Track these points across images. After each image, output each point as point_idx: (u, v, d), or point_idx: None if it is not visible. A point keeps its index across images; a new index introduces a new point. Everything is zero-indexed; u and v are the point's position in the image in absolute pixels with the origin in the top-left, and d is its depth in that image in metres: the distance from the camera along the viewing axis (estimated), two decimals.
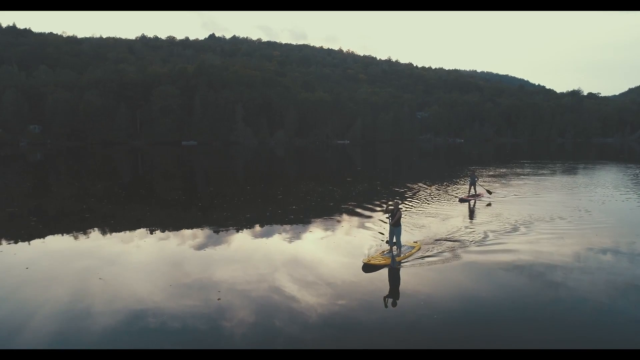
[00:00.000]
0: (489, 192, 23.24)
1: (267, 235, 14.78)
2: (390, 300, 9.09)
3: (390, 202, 11.95)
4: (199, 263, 11.49)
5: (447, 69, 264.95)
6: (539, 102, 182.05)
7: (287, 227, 16.04)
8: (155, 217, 18.42)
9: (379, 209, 19.51)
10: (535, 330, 7.76)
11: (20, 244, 13.54)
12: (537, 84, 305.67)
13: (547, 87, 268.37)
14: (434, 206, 20.20)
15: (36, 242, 13.71)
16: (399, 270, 10.91)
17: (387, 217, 12.18)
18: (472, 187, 22.47)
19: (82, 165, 48.66)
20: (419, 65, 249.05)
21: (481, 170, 39.54)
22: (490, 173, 37.51)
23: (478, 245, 13.12)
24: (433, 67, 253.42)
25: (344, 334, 7.57)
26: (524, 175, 36.21)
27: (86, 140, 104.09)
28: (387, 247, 12.16)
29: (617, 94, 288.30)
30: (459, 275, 10.49)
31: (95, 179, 34.02)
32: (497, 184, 29.19)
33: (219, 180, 34.82)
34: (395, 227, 11.75)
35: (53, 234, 14.91)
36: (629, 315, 8.41)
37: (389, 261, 11.06)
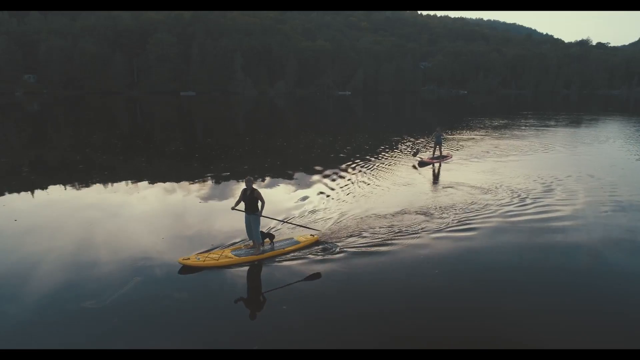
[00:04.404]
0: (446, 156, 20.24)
1: (266, 186, 14.71)
2: (388, 256, 8.86)
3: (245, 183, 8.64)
4: (199, 214, 11.48)
5: (452, 17, 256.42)
6: (546, 52, 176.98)
7: (287, 178, 15.96)
8: (155, 168, 18.30)
9: (380, 158, 19.43)
10: (535, 278, 7.84)
11: (21, 194, 13.53)
12: (545, 33, 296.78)
13: (555, 36, 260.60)
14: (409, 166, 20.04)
15: (36, 193, 13.68)
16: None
17: (235, 205, 8.76)
18: (438, 147, 19.71)
19: (80, 115, 48.05)
20: (424, 13, 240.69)
21: (483, 121, 38.99)
22: (495, 124, 37.02)
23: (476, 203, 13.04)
24: (438, 15, 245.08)
25: (345, 286, 7.63)
26: (526, 126, 35.75)
27: (83, 90, 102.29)
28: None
29: (627, 43, 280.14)
30: (457, 234, 10.46)
31: (93, 129, 33.65)
32: (504, 134, 28.87)
33: (218, 131, 34.43)
34: (250, 214, 8.58)
35: (53, 184, 14.83)
36: None
37: (220, 262, 8.14)
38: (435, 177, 16.62)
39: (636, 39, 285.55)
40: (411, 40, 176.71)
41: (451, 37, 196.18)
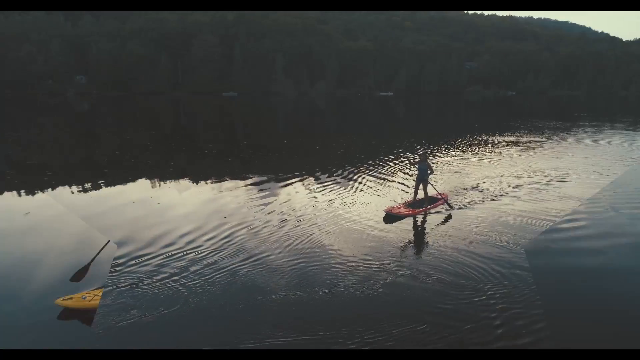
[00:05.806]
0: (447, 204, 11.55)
1: (304, 188, 13.71)
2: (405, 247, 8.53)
3: None
4: (236, 213, 10.90)
5: (500, 15, 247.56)
6: (602, 51, 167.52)
7: (328, 180, 14.77)
8: (198, 167, 18.26)
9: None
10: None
11: (70, 191, 13.44)
12: (600, 31, 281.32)
13: (612, 34, 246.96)
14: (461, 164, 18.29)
15: (87, 190, 13.76)
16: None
17: None
18: (422, 185, 11.49)
19: (127, 115, 49.22)
20: (470, 12, 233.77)
21: (548, 124, 36.28)
22: (557, 127, 34.36)
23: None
24: (485, 14, 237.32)
25: (365, 279, 7.07)
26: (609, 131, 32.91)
27: (129, 90, 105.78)
28: None
29: None
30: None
31: (140, 128, 34.38)
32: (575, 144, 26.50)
33: (259, 132, 33.94)
34: None
35: (104, 182, 14.81)
36: None
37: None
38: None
39: None
40: (456, 40, 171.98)
41: (499, 36, 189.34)
